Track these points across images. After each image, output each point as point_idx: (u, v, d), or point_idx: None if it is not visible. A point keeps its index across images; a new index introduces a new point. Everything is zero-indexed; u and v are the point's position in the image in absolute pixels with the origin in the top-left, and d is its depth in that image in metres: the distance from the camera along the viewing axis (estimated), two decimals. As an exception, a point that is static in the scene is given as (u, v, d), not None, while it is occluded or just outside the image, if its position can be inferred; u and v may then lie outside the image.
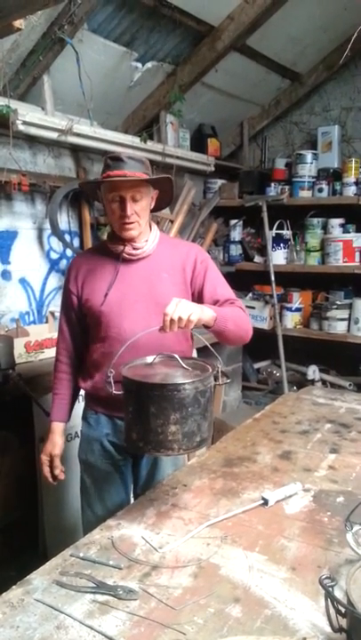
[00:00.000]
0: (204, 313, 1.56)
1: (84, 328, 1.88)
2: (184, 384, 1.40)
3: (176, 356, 1.54)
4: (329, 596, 0.87)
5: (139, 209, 1.69)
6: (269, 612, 1.12)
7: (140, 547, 1.36)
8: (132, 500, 1.93)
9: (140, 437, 1.42)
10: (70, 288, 1.84)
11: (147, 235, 1.79)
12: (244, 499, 1.59)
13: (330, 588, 0.87)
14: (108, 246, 1.81)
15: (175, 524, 1.46)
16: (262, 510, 1.52)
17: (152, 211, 1.81)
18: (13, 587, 1.20)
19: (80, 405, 2.00)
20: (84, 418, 1.94)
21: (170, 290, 1.74)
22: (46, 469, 1.88)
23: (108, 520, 1.50)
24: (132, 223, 1.69)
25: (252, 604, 1.14)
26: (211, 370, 1.50)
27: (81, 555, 1.32)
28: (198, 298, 1.78)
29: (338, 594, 0.96)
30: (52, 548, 1.50)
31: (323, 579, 0.89)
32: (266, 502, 1.53)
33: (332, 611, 0.90)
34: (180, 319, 1.46)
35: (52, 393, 1.96)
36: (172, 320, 1.45)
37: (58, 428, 1.91)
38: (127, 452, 1.86)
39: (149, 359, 1.59)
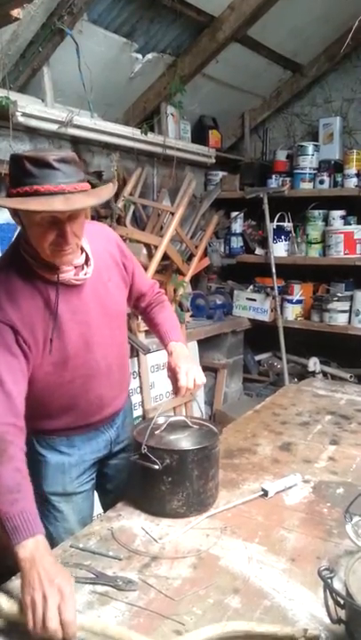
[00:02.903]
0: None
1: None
2: (216, 440, 1.52)
3: (184, 418, 1.64)
4: (328, 587, 0.88)
5: (78, 228, 1.27)
6: (269, 602, 1.12)
7: (140, 537, 1.37)
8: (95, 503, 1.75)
9: (182, 504, 1.44)
10: (11, 322, 1.29)
11: (80, 245, 1.35)
12: (243, 490, 1.59)
13: (328, 580, 0.87)
14: (36, 272, 1.33)
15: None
16: (262, 501, 1.53)
17: None
18: (13, 577, 1.21)
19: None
20: (51, 448, 1.54)
21: (118, 297, 1.55)
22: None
23: (108, 511, 1.51)
24: (69, 248, 1.27)
25: (251, 594, 1.15)
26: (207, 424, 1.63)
27: (81, 545, 1.33)
28: (129, 293, 1.65)
29: (337, 585, 0.96)
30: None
31: (321, 570, 0.89)
32: (266, 493, 1.54)
33: (330, 602, 0.90)
34: (194, 385, 1.53)
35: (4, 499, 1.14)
36: (187, 389, 1.52)
37: (43, 544, 1.12)
38: (103, 460, 1.67)
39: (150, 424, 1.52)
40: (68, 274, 1.35)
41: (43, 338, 1.34)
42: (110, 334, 1.50)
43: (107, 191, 1.31)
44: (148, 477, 1.44)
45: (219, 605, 1.12)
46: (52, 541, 1.33)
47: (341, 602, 0.88)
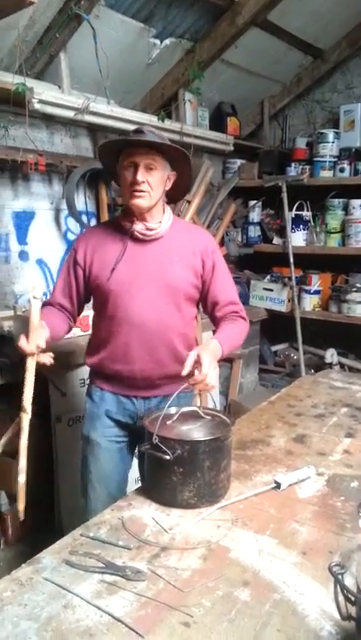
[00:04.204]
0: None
1: (80, 302, 1.86)
2: (229, 431, 1.50)
3: (197, 408, 1.65)
4: (338, 583, 0.86)
5: (152, 180, 1.66)
6: (278, 596, 1.11)
7: (151, 527, 1.36)
8: (130, 480, 1.95)
9: (193, 495, 1.43)
10: (78, 260, 1.79)
11: (160, 216, 1.77)
12: (256, 482, 1.58)
13: (339, 576, 0.85)
14: (120, 222, 1.79)
15: (186, 506, 1.45)
16: (275, 494, 1.51)
17: (169, 200, 1.83)
18: (23, 565, 1.21)
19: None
20: (89, 394, 1.92)
21: (180, 273, 1.75)
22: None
23: (119, 500, 1.51)
24: (142, 192, 1.65)
25: (261, 587, 1.13)
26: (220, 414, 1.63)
27: (91, 534, 1.32)
28: (204, 294, 1.83)
29: (348, 581, 0.94)
30: (68, 527, 1.52)
31: (332, 565, 0.87)
32: (278, 486, 1.52)
33: (341, 598, 0.88)
34: (205, 383, 1.56)
35: None
36: (202, 382, 1.56)
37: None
38: (130, 431, 1.87)
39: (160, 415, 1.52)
40: (138, 226, 1.73)
41: (110, 267, 1.72)
42: (154, 297, 1.72)
43: (179, 152, 1.70)
44: (160, 467, 1.43)
45: (228, 598, 1.10)
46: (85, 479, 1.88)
47: (352, 598, 0.86)
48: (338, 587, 0.86)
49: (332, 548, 1.26)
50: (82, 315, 1.96)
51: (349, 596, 0.86)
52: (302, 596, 1.10)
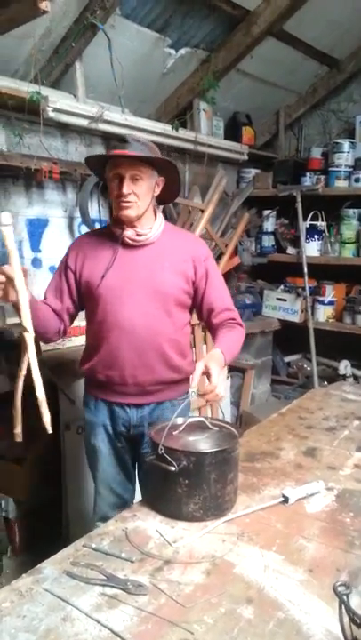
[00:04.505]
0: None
1: (73, 306, 1.84)
2: (236, 443, 1.47)
3: (204, 419, 1.61)
4: (343, 604, 0.83)
5: (138, 190, 1.66)
6: (283, 615, 1.08)
7: (155, 540, 1.33)
8: (137, 485, 1.97)
9: (198, 507, 1.40)
10: (69, 264, 1.80)
11: (151, 222, 1.77)
12: (264, 495, 1.55)
13: (344, 596, 0.82)
14: (112, 229, 1.80)
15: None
16: (282, 508, 1.48)
17: (159, 202, 1.84)
18: (24, 575, 1.20)
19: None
20: (85, 404, 1.93)
21: (170, 279, 1.75)
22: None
23: (124, 511, 1.49)
24: (128, 202, 1.66)
25: (265, 605, 1.10)
26: (227, 426, 1.58)
27: (93, 545, 1.30)
28: (198, 301, 1.84)
29: (356, 600, 0.91)
30: (75, 534, 1.52)
31: (337, 585, 0.84)
32: (286, 500, 1.49)
33: (346, 620, 0.85)
34: (215, 393, 1.54)
35: None
36: (212, 392, 1.54)
37: None
38: (125, 439, 1.88)
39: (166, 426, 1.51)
40: (129, 232, 1.73)
41: (100, 273, 1.73)
42: (144, 302, 1.72)
43: (163, 162, 1.70)
44: (165, 479, 1.41)
45: (230, 615, 1.07)
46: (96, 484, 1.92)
47: (358, 620, 0.82)
48: (343, 608, 0.82)
49: (339, 566, 1.22)
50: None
51: (355, 617, 0.82)
52: (307, 616, 1.07)
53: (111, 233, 1.78)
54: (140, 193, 1.66)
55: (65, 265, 1.81)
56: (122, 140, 1.68)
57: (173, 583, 1.17)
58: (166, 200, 1.90)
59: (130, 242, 1.74)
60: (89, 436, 1.91)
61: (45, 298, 1.83)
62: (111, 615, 1.08)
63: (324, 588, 1.14)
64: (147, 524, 1.41)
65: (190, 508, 1.40)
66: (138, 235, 1.74)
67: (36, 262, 2.86)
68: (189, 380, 1.92)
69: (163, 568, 1.22)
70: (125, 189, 1.63)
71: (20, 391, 1.47)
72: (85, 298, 1.81)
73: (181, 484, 1.39)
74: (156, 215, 1.80)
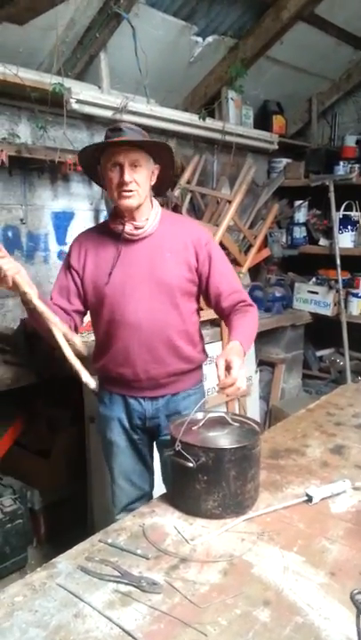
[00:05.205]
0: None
1: (82, 304, 1.80)
2: (257, 439, 1.43)
3: (224, 414, 1.57)
4: None
5: (138, 177, 1.62)
6: (301, 619, 1.03)
7: (172, 537, 1.30)
8: (155, 477, 1.94)
9: (217, 505, 1.37)
10: (72, 264, 1.76)
11: (147, 212, 1.73)
12: (287, 494, 1.50)
13: (361, 605, 0.77)
14: (110, 226, 1.75)
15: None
16: (306, 507, 1.42)
17: (156, 194, 1.82)
18: (38, 569, 1.19)
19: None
20: (100, 398, 1.91)
21: (173, 269, 1.72)
22: None
23: (142, 507, 1.46)
24: (130, 191, 1.62)
25: (282, 608, 1.06)
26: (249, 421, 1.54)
27: (109, 541, 1.28)
28: (203, 287, 1.79)
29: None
30: (100, 525, 1.52)
31: (355, 593, 0.79)
32: (310, 499, 1.43)
33: (363, 630, 0.80)
34: (237, 387, 1.49)
35: None
36: (232, 385, 1.48)
37: None
38: (142, 431, 1.86)
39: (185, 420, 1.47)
40: (128, 226, 1.69)
41: (104, 272, 1.71)
42: (149, 296, 1.69)
43: (159, 144, 1.69)
44: (184, 475, 1.38)
45: (246, 617, 1.03)
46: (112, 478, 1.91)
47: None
48: (360, 617, 0.77)
49: (363, 570, 1.17)
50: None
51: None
52: (327, 621, 1.02)
53: (110, 229, 1.74)
54: (141, 180, 1.63)
55: (68, 265, 1.78)
56: (116, 129, 1.63)
57: (189, 582, 1.14)
58: (161, 191, 1.87)
59: (128, 236, 1.71)
60: (104, 430, 1.89)
61: (52, 299, 1.78)
62: (123, 613, 1.05)
63: (345, 593, 1.08)
64: (165, 520, 1.38)
65: (209, 505, 1.36)
66: (136, 228, 1.70)
67: (62, 255, 2.86)
68: (202, 368, 1.90)
69: (179, 566, 1.19)
70: (127, 177, 1.59)
71: (67, 347, 1.51)
72: (90, 296, 1.77)
73: (200, 480, 1.36)
74: (152, 204, 1.75)
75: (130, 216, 1.69)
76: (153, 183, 1.71)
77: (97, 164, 1.69)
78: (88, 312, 1.85)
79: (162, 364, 1.75)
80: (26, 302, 1.59)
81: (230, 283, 1.79)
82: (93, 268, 1.74)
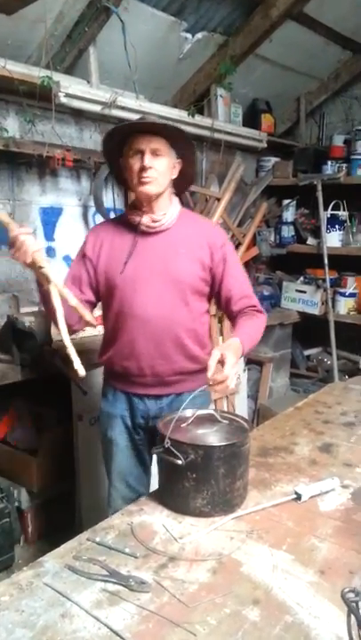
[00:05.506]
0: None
1: (93, 294, 1.80)
2: (246, 437, 1.42)
3: (213, 412, 1.56)
4: (352, 612, 0.77)
5: (158, 165, 1.62)
6: (291, 618, 1.02)
7: (160, 535, 1.29)
8: (152, 478, 1.89)
9: (206, 503, 1.35)
10: (87, 253, 1.76)
11: (166, 207, 1.73)
12: (275, 491, 1.49)
13: (353, 604, 0.76)
14: (128, 217, 1.75)
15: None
16: (295, 505, 1.42)
17: (176, 192, 1.80)
18: (24, 568, 1.16)
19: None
20: (104, 394, 1.91)
21: (186, 266, 1.71)
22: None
23: (130, 505, 1.45)
24: (148, 177, 1.61)
25: (272, 607, 1.05)
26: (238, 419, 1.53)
27: (97, 539, 1.26)
28: (216, 289, 1.79)
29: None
30: (88, 524, 1.50)
31: (346, 592, 0.78)
32: (299, 497, 1.43)
33: (355, 631, 0.79)
34: (226, 385, 1.48)
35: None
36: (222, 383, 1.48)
37: None
38: (144, 430, 1.84)
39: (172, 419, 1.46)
40: (145, 218, 1.69)
41: (119, 263, 1.70)
42: (160, 291, 1.69)
43: (182, 137, 1.67)
44: (172, 472, 1.37)
45: (235, 617, 1.02)
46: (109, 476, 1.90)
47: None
48: (351, 616, 0.77)
49: (353, 568, 1.16)
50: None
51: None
52: (317, 620, 1.01)
53: (128, 221, 1.75)
54: (161, 169, 1.63)
55: (83, 254, 1.78)
56: (141, 118, 1.67)
57: (177, 581, 1.13)
58: (181, 188, 1.85)
59: (145, 229, 1.71)
60: (105, 428, 1.88)
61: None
62: (111, 613, 1.04)
63: (335, 592, 1.08)
64: (153, 518, 1.36)
65: (198, 503, 1.35)
66: (153, 221, 1.70)
67: (50, 251, 2.83)
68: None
69: (167, 565, 1.18)
70: (147, 161, 1.59)
71: (65, 327, 1.45)
72: (102, 287, 1.77)
73: (189, 478, 1.34)
74: (171, 200, 1.76)
75: (148, 207, 1.69)
76: (174, 177, 1.71)
77: (119, 157, 1.69)
78: (97, 305, 1.84)
79: (168, 360, 1.73)
80: (41, 282, 1.55)
81: (242, 287, 1.79)
82: (107, 258, 1.73)
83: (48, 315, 1.67)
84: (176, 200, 1.78)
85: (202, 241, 1.74)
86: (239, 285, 1.78)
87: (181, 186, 1.82)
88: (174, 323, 1.71)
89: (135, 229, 1.71)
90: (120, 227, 1.77)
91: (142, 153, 1.60)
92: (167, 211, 1.72)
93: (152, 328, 1.70)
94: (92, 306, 1.83)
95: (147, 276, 1.69)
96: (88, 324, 1.77)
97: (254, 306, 1.78)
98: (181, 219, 1.75)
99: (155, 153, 1.61)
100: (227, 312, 1.82)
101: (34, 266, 1.48)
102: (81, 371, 1.44)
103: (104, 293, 1.77)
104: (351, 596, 0.76)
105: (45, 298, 1.60)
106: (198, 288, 1.74)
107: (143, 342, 1.71)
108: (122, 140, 1.65)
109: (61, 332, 1.44)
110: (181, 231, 1.73)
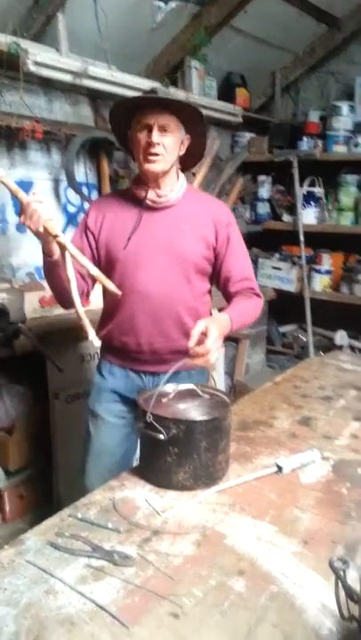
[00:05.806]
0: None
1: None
2: (228, 411, 1.41)
3: (195, 386, 1.54)
4: (340, 580, 0.77)
5: (166, 141, 1.58)
6: (276, 588, 1.02)
7: (143, 510, 1.28)
8: (134, 461, 1.88)
9: (188, 476, 1.34)
10: (89, 225, 1.72)
11: (172, 183, 1.69)
12: (257, 464, 1.49)
13: (341, 572, 0.76)
14: (133, 191, 1.72)
15: (181, 488, 1.37)
16: (276, 478, 1.42)
17: (183, 168, 1.76)
18: (6, 546, 1.14)
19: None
20: (98, 369, 1.88)
21: (190, 244, 1.69)
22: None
23: (111, 480, 1.43)
24: (155, 155, 1.58)
25: (257, 578, 1.05)
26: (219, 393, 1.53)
27: (79, 515, 1.24)
28: (217, 268, 1.76)
29: (352, 574, 0.85)
30: (67, 503, 1.48)
31: (334, 560, 0.78)
32: (280, 469, 1.43)
33: (342, 597, 0.79)
34: (206, 359, 1.45)
35: None
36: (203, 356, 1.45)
37: None
38: (136, 407, 1.80)
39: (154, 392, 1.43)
40: (150, 193, 1.66)
41: (122, 237, 1.67)
42: (162, 267, 1.67)
43: (193, 110, 1.61)
44: (154, 447, 1.35)
45: (221, 588, 1.02)
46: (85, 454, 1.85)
47: (355, 597, 0.77)
48: (339, 584, 0.76)
49: (335, 538, 1.17)
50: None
51: (352, 594, 0.77)
52: (301, 589, 1.02)
53: (133, 195, 1.71)
54: (168, 146, 1.58)
55: (85, 226, 1.74)
56: (151, 93, 1.63)
57: (162, 555, 1.12)
58: (189, 165, 1.81)
59: (150, 203, 1.68)
60: (93, 403, 1.85)
61: None
62: (96, 588, 1.02)
63: (319, 561, 1.09)
64: (135, 493, 1.35)
65: (180, 477, 1.34)
66: (158, 196, 1.67)
67: (21, 227, 2.75)
68: None
69: (151, 539, 1.17)
70: (155, 137, 1.55)
71: (78, 299, 1.42)
72: (103, 261, 1.73)
73: (171, 452, 1.33)
74: (178, 176, 1.71)
75: (154, 183, 1.66)
76: (181, 153, 1.67)
77: (127, 129, 1.64)
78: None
79: (167, 338, 1.71)
80: (49, 253, 1.51)
81: (243, 269, 1.77)
82: (110, 231, 1.70)
83: (54, 286, 1.64)
84: (183, 177, 1.74)
85: (207, 219, 1.71)
86: (240, 266, 1.75)
87: (190, 162, 1.78)
88: (175, 300, 1.69)
89: (140, 204, 1.68)
90: (124, 201, 1.73)
91: (150, 128, 1.56)
92: (173, 187, 1.69)
93: (152, 305, 1.68)
94: (93, 280, 1.77)
95: (150, 251, 1.66)
96: (88, 296, 1.76)
97: (253, 289, 1.76)
98: (187, 195, 1.72)
99: (163, 129, 1.57)
100: (224, 292, 1.80)
101: (45, 234, 1.43)
102: (96, 342, 1.42)
103: (105, 267, 1.72)
104: (339, 564, 0.76)
105: (52, 269, 1.56)
106: (201, 267, 1.72)
107: (143, 318, 1.69)
108: (130, 114, 1.61)
109: (75, 303, 1.41)
110: (187, 208, 1.70)
